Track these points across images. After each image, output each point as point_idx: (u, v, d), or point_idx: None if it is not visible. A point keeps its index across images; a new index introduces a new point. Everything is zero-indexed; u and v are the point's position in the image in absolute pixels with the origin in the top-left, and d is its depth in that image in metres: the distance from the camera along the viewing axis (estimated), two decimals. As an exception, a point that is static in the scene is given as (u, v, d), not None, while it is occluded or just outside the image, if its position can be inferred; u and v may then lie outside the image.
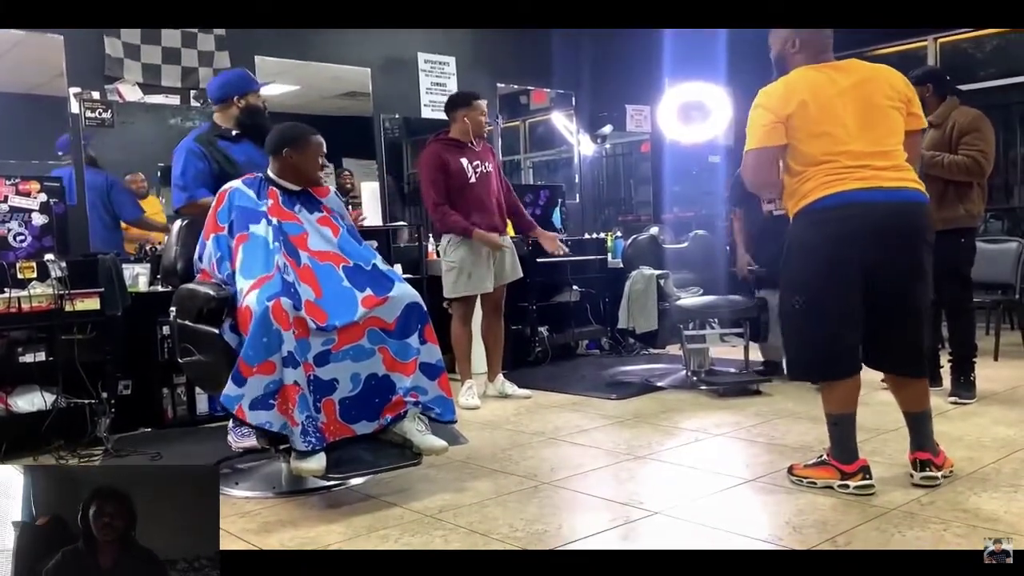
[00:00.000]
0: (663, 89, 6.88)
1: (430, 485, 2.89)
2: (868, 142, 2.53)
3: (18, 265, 3.65)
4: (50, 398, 3.61)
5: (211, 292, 2.76)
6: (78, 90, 4.40)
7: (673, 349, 5.09)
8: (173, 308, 3.02)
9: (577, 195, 6.89)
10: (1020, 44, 6.31)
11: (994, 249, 4.97)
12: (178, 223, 3.24)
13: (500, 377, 4.51)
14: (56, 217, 3.87)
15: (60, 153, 4.44)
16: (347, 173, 5.53)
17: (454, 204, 4.25)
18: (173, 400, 4.14)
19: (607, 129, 6.72)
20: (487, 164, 4.37)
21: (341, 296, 2.81)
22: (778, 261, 2.76)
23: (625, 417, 3.87)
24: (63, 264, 3.64)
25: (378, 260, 3.00)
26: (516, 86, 6.58)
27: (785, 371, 3.51)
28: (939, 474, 2.62)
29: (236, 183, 2.98)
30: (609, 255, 6.04)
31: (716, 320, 4.66)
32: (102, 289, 3.72)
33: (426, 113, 5.91)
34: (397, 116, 5.78)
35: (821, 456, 2.71)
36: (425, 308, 2.93)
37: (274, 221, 2.89)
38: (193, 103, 4.81)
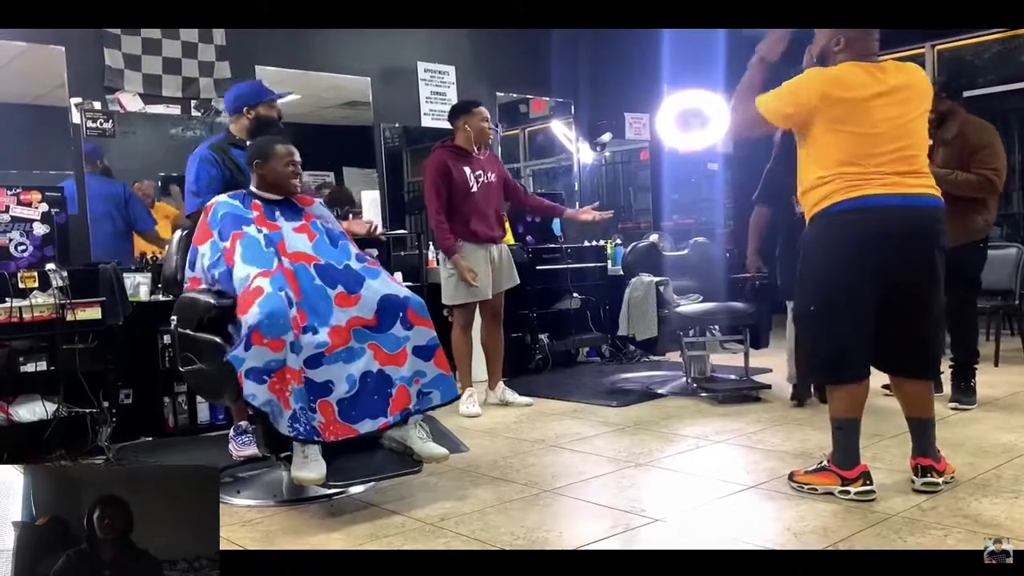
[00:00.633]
0: (662, 97, 6.91)
1: (431, 493, 2.89)
2: (897, 150, 2.53)
3: (19, 275, 3.66)
4: (51, 407, 3.61)
5: (212, 301, 2.77)
6: (79, 100, 4.42)
7: (673, 356, 5.10)
8: (174, 317, 3.02)
9: (577, 203, 6.89)
10: (1018, 51, 6.34)
11: (994, 255, 4.93)
12: (178, 233, 3.25)
13: (501, 385, 4.51)
14: (57, 227, 3.88)
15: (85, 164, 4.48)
16: (326, 185, 5.44)
17: (456, 210, 4.28)
18: (174, 409, 4.14)
19: (606, 137, 6.74)
20: (490, 174, 4.38)
21: (314, 294, 2.84)
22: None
23: (626, 424, 3.87)
24: (64, 274, 3.65)
25: (352, 261, 3.02)
26: (515, 95, 6.60)
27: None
28: (940, 480, 2.63)
29: (221, 197, 3.04)
30: (609, 262, 6.05)
31: (716, 327, 4.67)
32: (103, 299, 3.74)
33: (426, 122, 5.93)
34: (397, 125, 5.80)
35: (821, 462, 2.71)
36: (404, 295, 2.93)
37: (263, 230, 2.95)
38: (194, 113, 4.83)
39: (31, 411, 3.62)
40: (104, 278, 3.78)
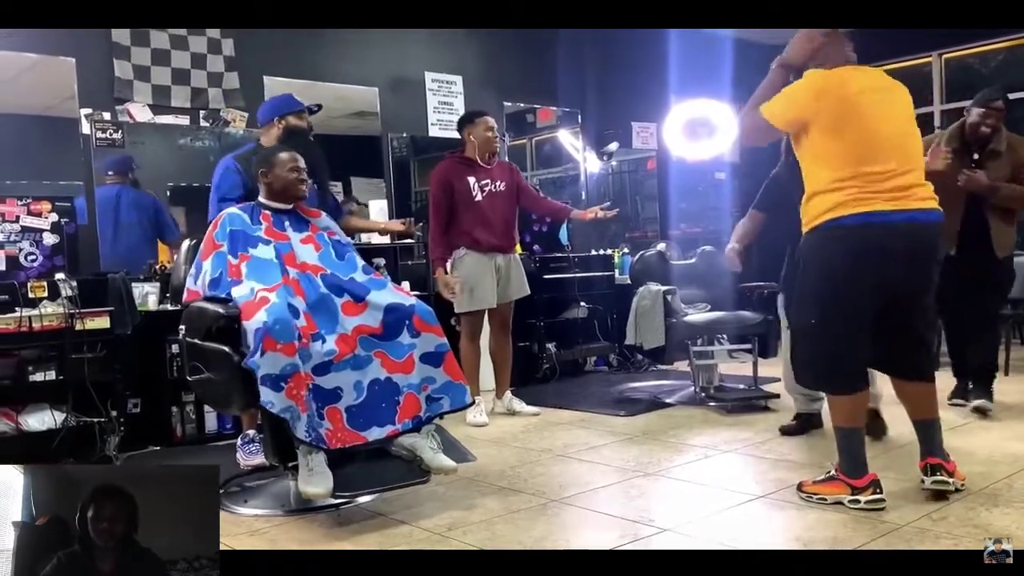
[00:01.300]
0: (669, 106, 6.92)
1: (439, 502, 2.89)
2: (901, 160, 2.53)
3: (29, 284, 3.68)
4: (60, 416, 3.62)
5: (220, 310, 2.77)
6: (89, 111, 4.45)
7: (681, 365, 5.08)
8: (182, 327, 3.03)
9: (584, 212, 6.89)
10: (1025, 58, 6.31)
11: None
12: (186, 243, 3.28)
13: (508, 394, 4.51)
14: (67, 237, 3.91)
15: (110, 173, 4.52)
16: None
17: (459, 219, 4.30)
18: (182, 418, 4.15)
19: (613, 146, 6.74)
20: (499, 183, 4.38)
21: (321, 303, 2.87)
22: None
23: (634, 434, 3.86)
24: (73, 283, 3.67)
25: (358, 273, 3.05)
26: (523, 104, 6.61)
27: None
28: (950, 480, 2.61)
29: (231, 208, 3.08)
30: (616, 271, 6.05)
31: (724, 336, 4.65)
32: (112, 308, 3.76)
33: (433, 132, 5.94)
34: (405, 135, 5.82)
35: (830, 472, 2.69)
36: (410, 303, 2.94)
37: (272, 242, 2.99)
38: (203, 123, 4.86)
39: (40, 420, 3.64)
40: (113, 288, 3.79)
